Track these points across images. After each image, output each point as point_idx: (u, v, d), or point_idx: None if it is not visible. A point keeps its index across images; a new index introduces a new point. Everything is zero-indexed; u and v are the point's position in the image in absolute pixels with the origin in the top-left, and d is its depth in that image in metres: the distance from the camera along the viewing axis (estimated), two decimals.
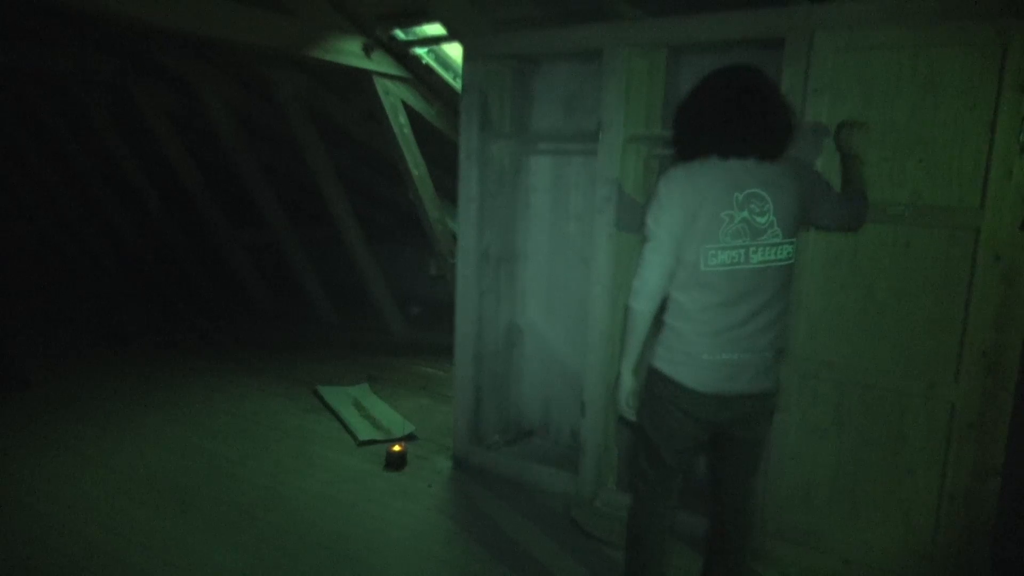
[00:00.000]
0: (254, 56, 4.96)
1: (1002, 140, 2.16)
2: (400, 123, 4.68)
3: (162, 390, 4.60)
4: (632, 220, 2.87)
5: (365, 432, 3.87)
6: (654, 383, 2.00)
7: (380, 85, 4.49)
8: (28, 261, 9.71)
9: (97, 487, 3.23)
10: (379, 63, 4.38)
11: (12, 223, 9.86)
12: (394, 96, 4.61)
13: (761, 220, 1.84)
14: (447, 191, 5.03)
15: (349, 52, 4.19)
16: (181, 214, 7.74)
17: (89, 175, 8.16)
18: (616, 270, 2.96)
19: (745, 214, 1.83)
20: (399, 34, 4.25)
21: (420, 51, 4.38)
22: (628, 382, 2.03)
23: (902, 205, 2.33)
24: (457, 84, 4.43)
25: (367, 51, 4.27)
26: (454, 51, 4.39)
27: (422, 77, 4.64)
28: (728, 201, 1.82)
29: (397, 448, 3.53)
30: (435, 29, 4.06)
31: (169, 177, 7.14)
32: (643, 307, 1.93)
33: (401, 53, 4.41)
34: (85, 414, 4.11)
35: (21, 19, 5.09)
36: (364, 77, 4.41)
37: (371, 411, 4.23)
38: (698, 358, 1.90)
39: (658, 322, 1.98)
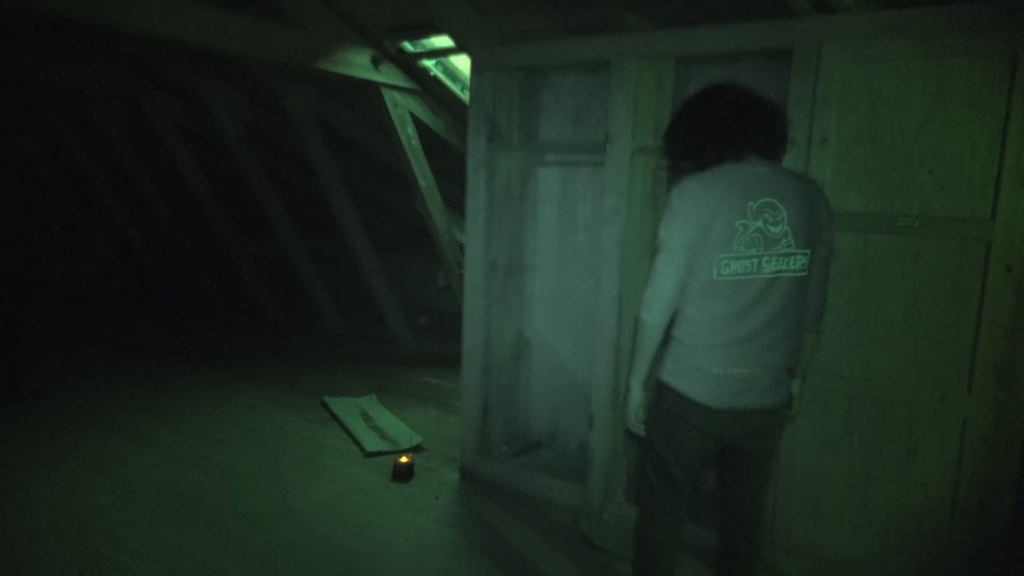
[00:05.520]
0: (263, 68, 5.00)
1: (1013, 150, 2.15)
2: (408, 134, 4.70)
3: (171, 401, 4.61)
4: None
5: (372, 443, 3.87)
6: (663, 398, 1.98)
7: (388, 97, 4.51)
8: (38, 271, 9.78)
9: (105, 497, 3.23)
10: (387, 75, 4.40)
11: (23, 233, 9.94)
12: (402, 108, 4.64)
13: (775, 230, 1.83)
14: (455, 202, 5.05)
15: (358, 64, 4.22)
16: (190, 224, 7.78)
17: (100, 186, 8.23)
18: (624, 281, 2.96)
19: (759, 223, 1.82)
20: (407, 46, 4.28)
21: (428, 63, 4.40)
22: (637, 396, 2.01)
23: (912, 216, 2.32)
24: (465, 96, 4.45)
25: (375, 63, 4.29)
26: (462, 63, 4.41)
27: (430, 89, 4.66)
28: (742, 210, 1.82)
29: (404, 459, 3.52)
30: (443, 41, 4.08)
31: (179, 188, 7.20)
32: (655, 319, 1.90)
33: (409, 65, 4.43)
34: (94, 424, 4.12)
35: (34, 33, 5.15)
36: (372, 89, 4.44)
37: (378, 422, 4.23)
38: (707, 372, 1.89)
39: (666, 336, 1.96)
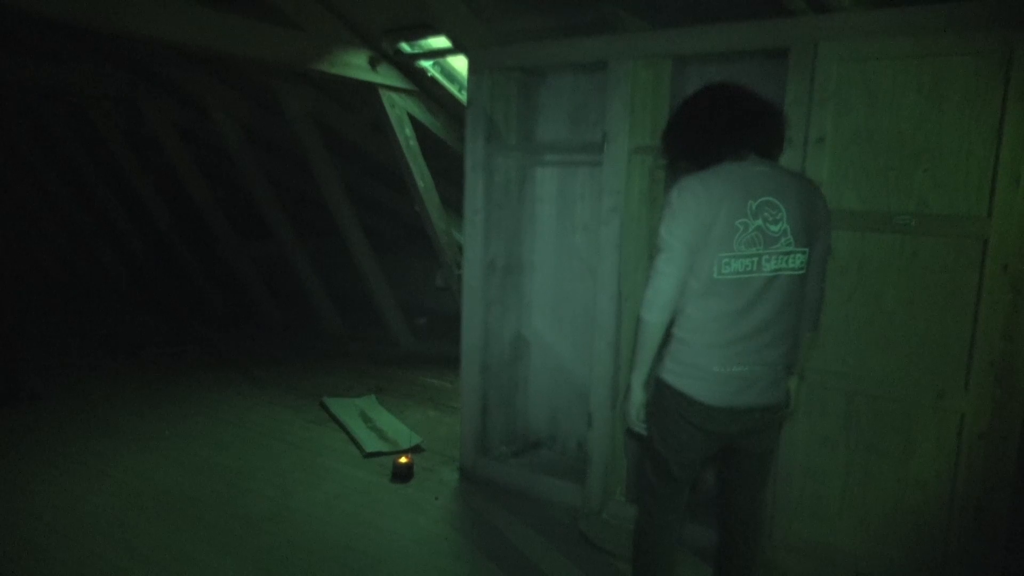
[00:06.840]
0: (261, 69, 5.00)
1: (1008, 148, 2.16)
2: (406, 135, 4.70)
3: (170, 402, 4.61)
4: None
5: (371, 444, 3.87)
6: (663, 396, 1.99)
7: (386, 98, 4.51)
8: (38, 273, 9.77)
9: (105, 499, 3.23)
10: (385, 76, 4.40)
11: (22, 235, 9.92)
12: (400, 108, 4.64)
13: (775, 228, 1.84)
14: (453, 202, 5.05)
15: (355, 65, 4.22)
16: (189, 226, 7.78)
17: (98, 188, 8.23)
18: (622, 280, 2.96)
19: (759, 222, 1.83)
20: (405, 47, 4.28)
21: (426, 64, 4.40)
22: (639, 395, 2.02)
23: (909, 215, 2.33)
24: (462, 96, 4.45)
25: (373, 64, 4.29)
26: (460, 64, 4.41)
27: (428, 89, 4.66)
28: (742, 209, 1.82)
29: (404, 460, 3.53)
30: (441, 42, 4.08)
31: (177, 190, 7.20)
32: (656, 319, 1.91)
33: (407, 66, 4.43)
34: (93, 426, 4.12)
35: (32, 35, 5.15)
36: (370, 90, 4.44)
37: (378, 423, 4.23)
38: (708, 370, 1.89)
39: (667, 335, 1.97)
